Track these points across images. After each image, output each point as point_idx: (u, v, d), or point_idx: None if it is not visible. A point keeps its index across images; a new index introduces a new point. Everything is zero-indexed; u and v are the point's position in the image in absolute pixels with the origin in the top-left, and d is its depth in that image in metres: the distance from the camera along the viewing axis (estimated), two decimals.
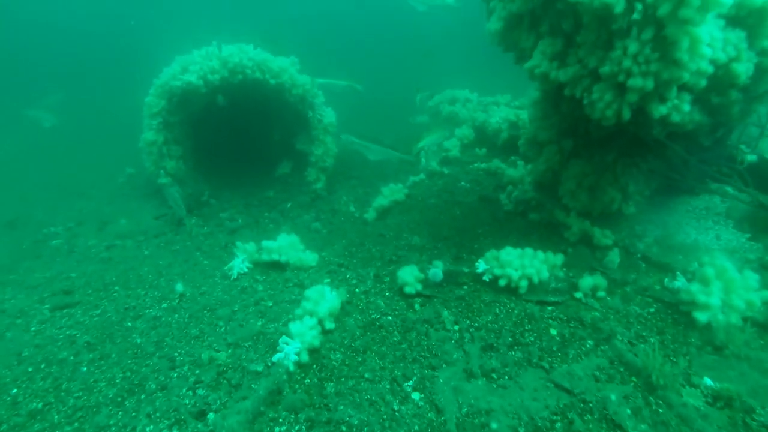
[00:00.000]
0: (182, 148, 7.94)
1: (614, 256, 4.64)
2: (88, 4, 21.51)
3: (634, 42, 3.24)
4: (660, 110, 3.50)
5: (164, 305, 4.77)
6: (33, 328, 4.52)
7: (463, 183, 7.18)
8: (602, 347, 3.64)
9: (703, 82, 3.34)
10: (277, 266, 5.28)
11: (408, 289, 4.55)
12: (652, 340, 3.63)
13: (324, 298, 4.17)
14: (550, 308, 4.18)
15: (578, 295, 4.25)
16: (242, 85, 7.47)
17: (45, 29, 20.88)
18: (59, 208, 8.46)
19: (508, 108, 8.72)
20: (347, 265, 5.30)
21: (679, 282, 3.97)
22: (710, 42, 3.24)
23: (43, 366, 3.96)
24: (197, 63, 7.24)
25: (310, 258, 5.29)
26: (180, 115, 7.74)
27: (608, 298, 4.17)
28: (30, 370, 3.92)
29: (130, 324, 4.50)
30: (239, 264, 5.23)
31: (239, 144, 9.46)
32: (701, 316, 3.59)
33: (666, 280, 4.17)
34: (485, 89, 10.49)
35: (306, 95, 7.70)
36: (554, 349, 3.68)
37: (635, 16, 3.18)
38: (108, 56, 17.23)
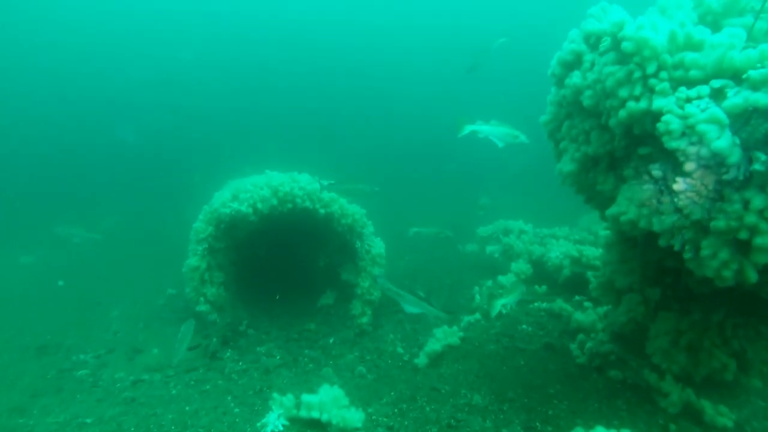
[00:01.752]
0: (225, 274, 7.70)
1: None
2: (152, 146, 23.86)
3: (759, 195, 2.76)
4: None
5: None
6: None
7: (524, 326, 6.44)
8: None
9: None
10: (318, 426, 4.51)
11: None
12: None
13: None
14: None
15: None
16: (291, 213, 7.37)
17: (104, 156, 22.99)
18: (94, 329, 8.15)
19: (568, 242, 8.18)
20: (398, 429, 4.49)
21: None
22: None
23: None
24: (248, 191, 7.24)
25: (356, 417, 4.52)
26: (226, 242, 7.62)
27: None
28: None
29: None
30: (274, 420, 4.51)
31: (282, 269, 9.19)
32: None
33: None
34: (538, 219, 10.10)
35: (355, 225, 7.50)
36: None
37: (756, 166, 2.74)
38: (163, 184, 18.44)
